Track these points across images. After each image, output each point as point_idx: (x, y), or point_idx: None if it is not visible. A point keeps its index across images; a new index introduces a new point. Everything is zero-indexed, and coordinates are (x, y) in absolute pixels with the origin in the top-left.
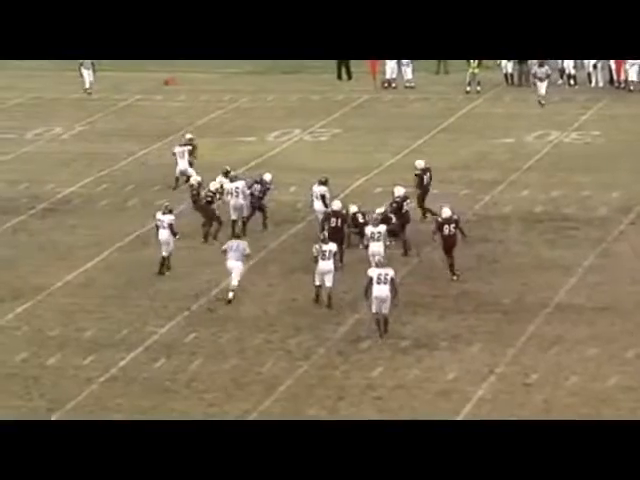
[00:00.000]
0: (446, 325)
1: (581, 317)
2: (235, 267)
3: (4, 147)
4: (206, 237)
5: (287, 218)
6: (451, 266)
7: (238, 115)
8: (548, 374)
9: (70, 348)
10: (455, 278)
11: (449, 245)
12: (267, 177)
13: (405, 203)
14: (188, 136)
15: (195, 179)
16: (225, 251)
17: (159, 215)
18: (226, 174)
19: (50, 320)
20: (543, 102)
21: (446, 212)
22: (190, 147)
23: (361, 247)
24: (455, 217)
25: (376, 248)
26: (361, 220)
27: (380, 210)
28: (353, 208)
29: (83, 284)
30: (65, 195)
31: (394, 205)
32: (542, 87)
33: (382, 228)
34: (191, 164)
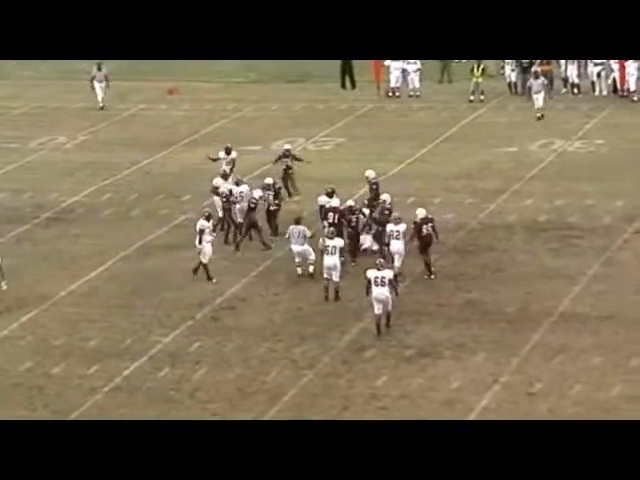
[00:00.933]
0: (450, 334)
1: (585, 326)
2: (301, 250)
3: (8, 156)
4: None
5: None
6: (427, 265)
7: (242, 124)
8: (552, 383)
9: (74, 357)
10: (433, 277)
11: (426, 244)
12: (269, 181)
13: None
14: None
15: (226, 187)
16: (288, 237)
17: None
18: (223, 176)
19: (54, 329)
20: (538, 115)
21: (422, 212)
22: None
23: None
24: (430, 217)
25: (397, 246)
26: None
27: (350, 202)
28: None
29: (87, 293)
30: (69, 204)
31: (386, 212)
32: (538, 99)
33: (402, 227)
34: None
